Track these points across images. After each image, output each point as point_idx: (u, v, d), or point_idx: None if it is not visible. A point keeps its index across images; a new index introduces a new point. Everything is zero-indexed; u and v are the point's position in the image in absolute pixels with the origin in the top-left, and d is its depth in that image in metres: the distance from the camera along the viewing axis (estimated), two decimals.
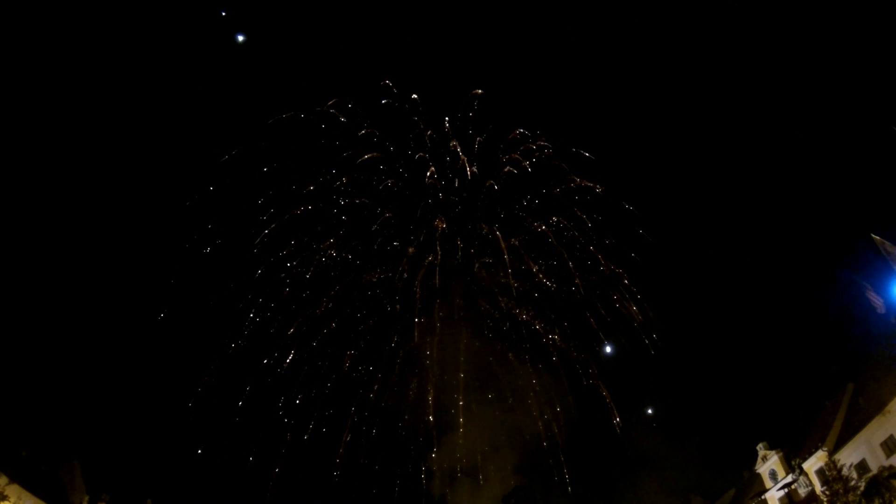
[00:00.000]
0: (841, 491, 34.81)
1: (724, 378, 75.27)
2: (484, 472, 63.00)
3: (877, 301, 33.25)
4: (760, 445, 46.46)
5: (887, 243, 31.09)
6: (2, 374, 49.29)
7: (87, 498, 49.15)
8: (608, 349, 60.80)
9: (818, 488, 38.62)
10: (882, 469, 33.28)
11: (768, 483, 45.19)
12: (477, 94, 54.55)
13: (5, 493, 39.80)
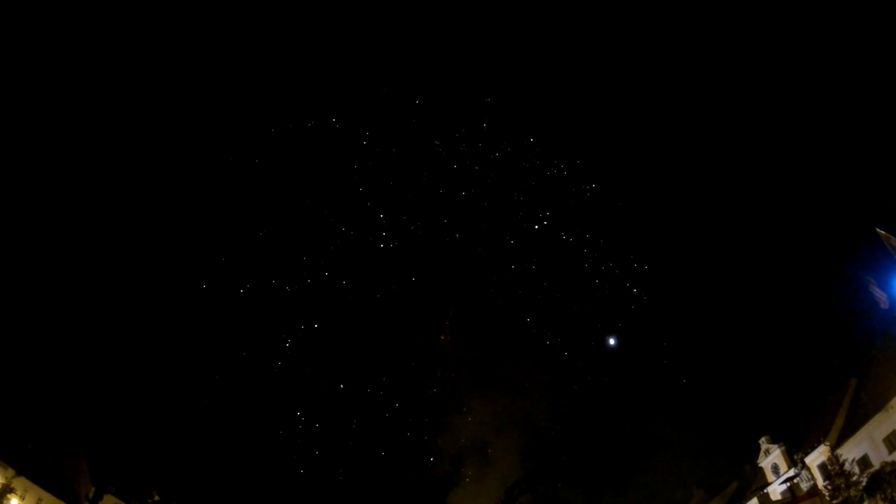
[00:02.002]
0: (843, 486, 34.79)
1: (727, 372, 75.32)
2: (489, 462, 63.41)
3: (880, 296, 33.03)
4: (763, 439, 46.47)
5: (892, 238, 30.82)
6: (8, 367, 49.66)
7: (93, 490, 49.66)
8: (612, 342, 60.99)
9: (820, 483, 38.60)
10: (884, 464, 33.16)
11: (770, 477, 45.24)
12: (488, 101, 54.25)
13: (12, 486, 40.29)
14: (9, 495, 39.69)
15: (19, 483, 41.51)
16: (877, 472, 32.73)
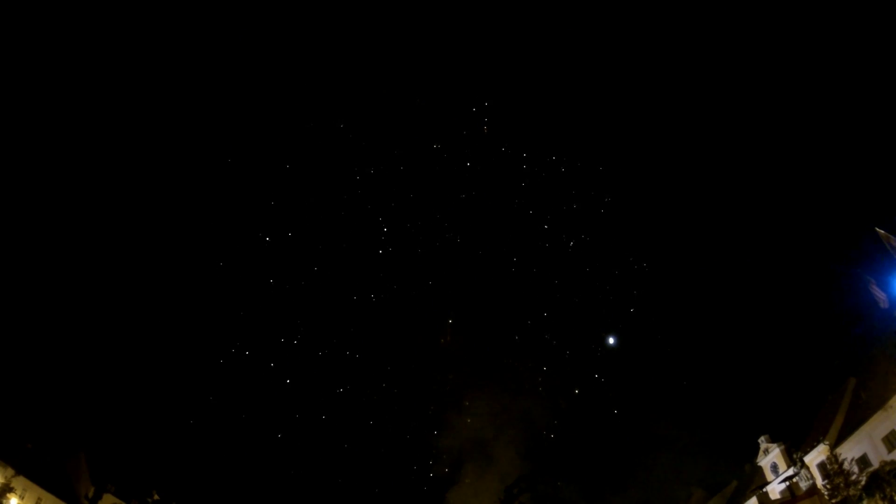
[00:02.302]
0: (842, 485, 34.77)
1: (726, 371, 75.38)
2: (488, 461, 63.45)
3: (880, 295, 32.96)
4: (762, 438, 46.50)
5: (892, 237, 30.77)
6: (7, 367, 49.64)
7: (92, 489, 49.65)
8: (612, 341, 61.06)
9: (819, 482, 38.63)
10: (883, 464, 33.22)
11: (769, 476, 45.26)
12: (485, 105, 54.26)
13: (12, 485, 40.25)
14: (8, 495, 39.65)
15: (19, 482, 41.48)
16: (876, 472, 32.75)
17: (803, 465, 40.84)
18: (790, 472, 42.16)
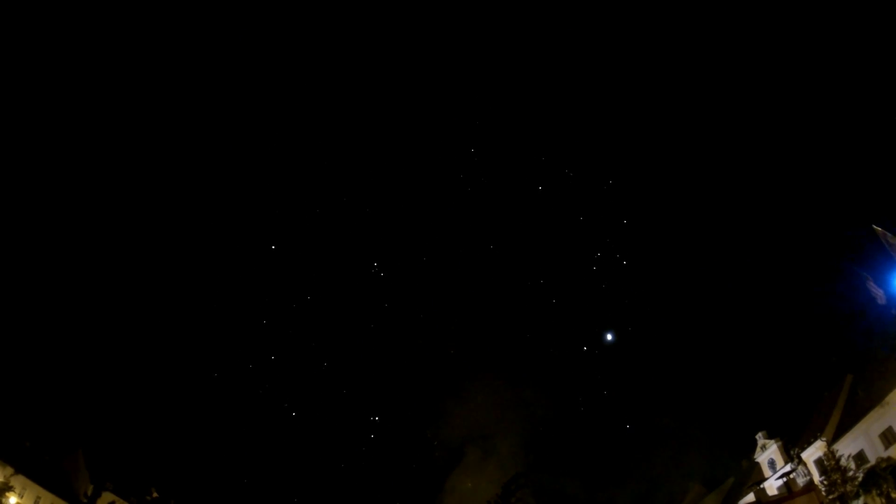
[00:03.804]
0: (839, 481, 34.89)
1: (724, 367, 75.61)
2: (487, 457, 63.57)
3: (877, 292, 32.98)
4: (760, 434, 46.64)
5: (889, 234, 30.74)
6: (4, 365, 49.54)
7: (91, 487, 49.67)
8: (609, 337, 61.16)
9: (816, 478, 38.78)
10: (880, 460, 33.29)
11: (767, 472, 45.42)
12: (485, 106, 54.16)
13: (10, 484, 40.19)
14: (7, 493, 39.59)
15: (17, 481, 41.43)
16: (872, 468, 32.84)
17: (800, 462, 40.98)
18: (787, 468, 42.31)
